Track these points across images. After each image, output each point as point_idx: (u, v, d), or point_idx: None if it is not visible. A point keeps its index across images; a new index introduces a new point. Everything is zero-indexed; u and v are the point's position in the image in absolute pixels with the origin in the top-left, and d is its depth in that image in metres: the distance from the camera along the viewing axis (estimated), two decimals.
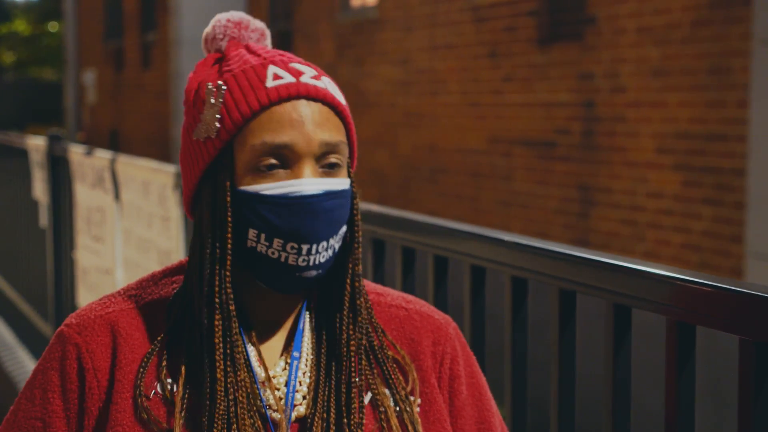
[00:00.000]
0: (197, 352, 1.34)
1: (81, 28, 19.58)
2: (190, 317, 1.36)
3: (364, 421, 1.35)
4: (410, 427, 1.38)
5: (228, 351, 1.32)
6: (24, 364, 5.52)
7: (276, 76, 1.34)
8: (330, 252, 1.34)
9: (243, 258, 1.34)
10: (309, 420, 1.34)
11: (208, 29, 1.44)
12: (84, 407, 1.35)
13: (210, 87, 1.35)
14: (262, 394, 1.34)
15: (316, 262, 1.32)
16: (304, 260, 1.32)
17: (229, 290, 1.33)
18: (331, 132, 1.34)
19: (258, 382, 1.35)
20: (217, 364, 1.31)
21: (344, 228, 1.36)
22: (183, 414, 1.32)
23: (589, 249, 1.88)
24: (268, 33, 1.46)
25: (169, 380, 1.35)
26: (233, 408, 1.31)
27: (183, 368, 1.34)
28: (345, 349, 1.36)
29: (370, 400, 1.38)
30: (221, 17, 1.43)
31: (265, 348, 1.39)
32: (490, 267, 2.10)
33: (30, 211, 5.66)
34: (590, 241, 7.84)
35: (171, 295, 1.41)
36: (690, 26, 6.95)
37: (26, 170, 5.62)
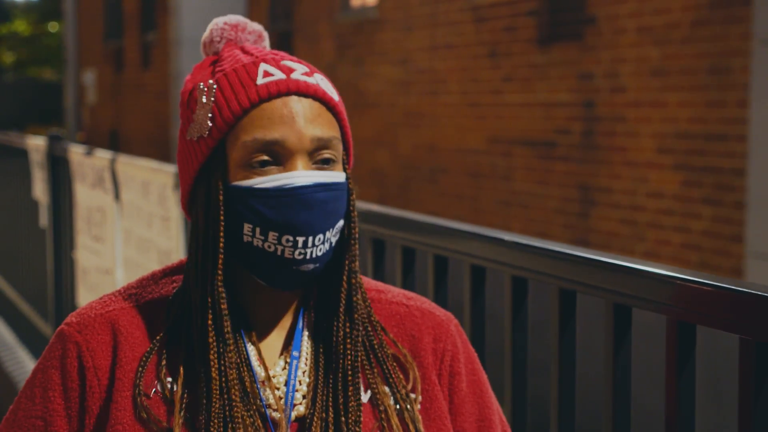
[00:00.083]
0: (195, 352, 1.34)
1: (81, 28, 19.58)
2: (188, 316, 1.37)
3: (362, 420, 1.35)
4: (411, 426, 1.37)
5: (221, 350, 1.32)
6: (24, 363, 5.52)
7: (266, 74, 1.34)
8: (327, 246, 1.34)
9: (240, 254, 1.34)
10: (308, 420, 1.34)
11: (205, 33, 1.45)
12: (85, 406, 1.35)
13: (201, 87, 1.36)
14: (261, 394, 1.34)
15: (313, 255, 1.32)
16: (300, 253, 1.32)
17: (220, 289, 1.33)
18: (323, 127, 1.34)
19: (258, 381, 1.35)
20: (212, 363, 1.32)
21: (341, 223, 1.36)
22: (182, 413, 1.32)
23: (590, 249, 1.88)
24: (266, 35, 1.46)
25: (169, 379, 1.35)
26: (228, 407, 1.31)
27: (182, 368, 1.34)
28: (341, 346, 1.36)
29: (370, 399, 1.38)
30: (218, 21, 1.44)
31: (264, 347, 1.39)
32: (490, 267, 2.10)
33: (30, 211, 5.66)
34: (590, 241, 7.84)
35: (171, 294, 1.41)
36: (690, 26, 6.95)
37: (26, 170, 5.62)
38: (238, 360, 1.34)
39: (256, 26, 1.45)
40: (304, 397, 1.36)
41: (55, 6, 27.32)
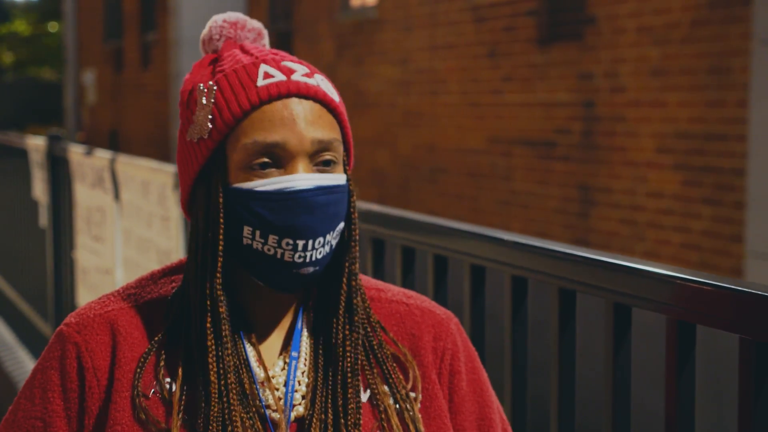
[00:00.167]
0: (193, 353, 1.34)
1: (81, 28, 19.58)
2: (188, 317, 1.36)
3: (361, 422, 1.35)
4: (411, 426, 1.37)
5: (220, 353, 1.32)
6: (23, 363, 5.52)
7: (267, 75, 1.33)
8: (327, 248, 1.33)
9: (240, 256, 1.34)
10: (307, 420, 1.34)
11: (205, 31, 1.44)
12: (84, 406, 1.35)
13: (201, 88, 1.35)
14: (261, 395, 1.34)
15: (313, 259, 1.32)
16: (300, 256, 1.31)
17: (219, 292, 1.32)
18: (324, 129, 1.33)
19: (257, 382, 1.34)
20: (210, 366, 1.31)
21: (341, 225, 1.35)
22: (180, 415, 1.31)
23: (589, 249, 1.87)
24: (265, 33, 1.45)
25: (168, 380, 1.35)
26: (227, 411, 1.30)
27: (180, 369, 1.34)
28: (341, 349, 1.36)
29: (369, 398, 1.38)
30: (217, 18, 1.43)
31: (264, 347, 1.38)
32: (490, 266, 2.10)
33: (30, 211, 5.66)
34: (590, 241, 7.84)
35: (170, 294, 1.40)
36: (690, 26, 6.95)
37: (26, 170, 5.62)
38: (237, 362, 1.34)
39: (256, 24, 1.44)
40: (303, 397, 1.36)
41: (54, 6, 27.32)
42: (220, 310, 1.32)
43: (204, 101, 1.34)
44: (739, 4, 6.57)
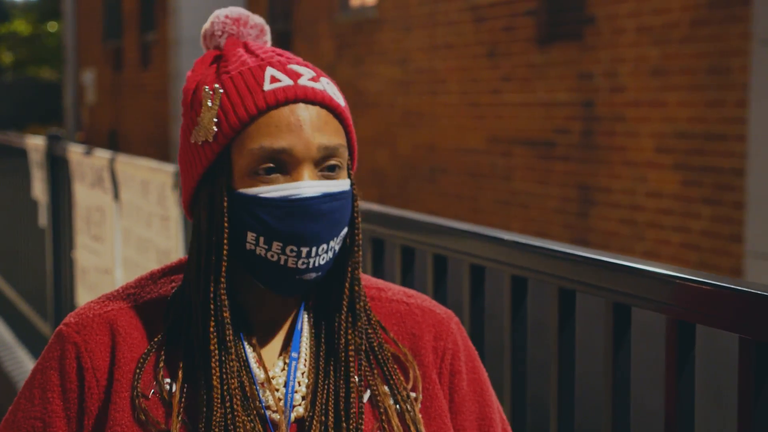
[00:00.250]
0: (194, 356, 1.33)
1: (80, 27, 19.58)
2: (188, 318, 1.36)
3: (363, 426, 1.34)
4: (412, 427, 1.36)
5: (223, 358, 1.31)
6: (23, 363, 5.52)
7: (273, 79, 1.32)
8: (330, 254, 1.33)
9: (242, 261, 1.33)
10: (307, 422, 1.34)
11: (206, 25, 1.42)
12: (84, 407, 1.34)
13: (207, 90, 1.34)
14: (261, 395, 1.33)
15: (316, 265, 1.31)
16: (303, 263, 1.30)
17: (223, 296, 1.32)
18: (330, 135, 1.32)
19: (257, 383, 1.34)
20: (213, 371, 1.31)
21: (345, 230, 1.35)
22: (180, 417, 1.31)
23: (589, 248, 1.87)
24: (267, 29, 1.44)
25: (167, 380, 1.34)
26: (230, 415, 1.30)
27: (180, 371, 1.34)
28: (343, 354, 1.35)
29: (369, 399, 1.37)
30: (219, 13, 1.41)
31: (263, 348, 1.38)
32: (490, 266, 2.09)
33: (29, 210, 5.66)
34: (590, 241, 7.84)
35: (170, 294, 1.40)
36: (689, 26, 6.95)
37: (25, 170, 5.62)
38: (238, 364, 1.33)
39: (258, 20, 1.43)
40: (303, 398, 1.35)
41: (54, 6, 27.32)
42: (225, 315, 1.32)
43: (209, 104, 1.32)
44: (739, 4, 6.58)
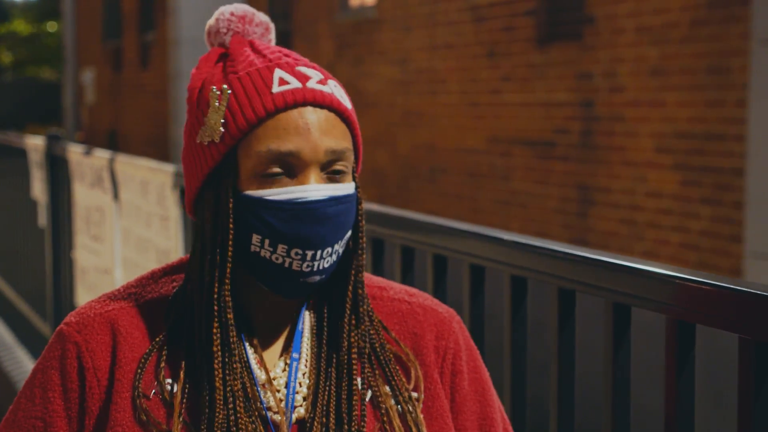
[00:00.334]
0: (196, 357, 1.33)
1: (80, 27, 19.58)
2: (189, 318, 1.35)
3: (364, 427, 1.34)
4: (414, 428, 1.36)
5: (226, 360, 1.31)
6: (23, 363, 5.52)
7: (282, 81, 1.31)
8: (334, 257, 1.32)
9: (246, 263, 1.33)
10: (308, 422, 1.33)
11: (211, 22, 1.41)
12: (85, 407, 1.34)
13: (214, 90, 1.33)
14: (262, 396, 1.33)
15: (320, 268, 1.31)
16: (308, 266, 1.30)
17: (227, 298, 1.31)
18: (337, 139, 1.32)
19: (258, 384, 1.33)
20: (216, 372, 1.30)
21: (349, 233, 1.34)
22: (181, 417, 1.30)
23: (589, 248, 1.87)
24: (272, 27, 1.44)
25: (168, 380, 1.34)
26: (233, 416, 1.30)
27: (182, 370, 1.33)
28: (346, 356, 1.35)
29: (371, 399, 1.37)
30: (225, 10, 1.40)
31: (264, 349, 1.37)
32: (490, 266, 2.09)
33: (29, 210, 5.65)
34: (589, 241, 7.85)
35: (171, 293, 1.39)
36: (689, 26, 6.96)
37: (25, 170, 5.62)
38: (240, 365, 1.33)
39: (263, 18, 1.42)
40: (304, 399, 1.35)
41: (53, 6, 27.32)
42: (229, 316, 1.31)
43: (217, 104, 1.32)
44: (738, 3, 6.58)
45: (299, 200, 1.29)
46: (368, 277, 1.47)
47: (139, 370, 1.33)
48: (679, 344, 1.61)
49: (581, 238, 7.93)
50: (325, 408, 1.34)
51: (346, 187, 1.32)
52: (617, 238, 7.62)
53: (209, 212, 1.33)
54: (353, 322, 1.36)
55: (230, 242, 1.31)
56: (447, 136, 9.65)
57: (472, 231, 2.12)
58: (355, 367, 1.35)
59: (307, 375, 1.36)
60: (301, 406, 1.35)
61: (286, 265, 1.30)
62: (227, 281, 1.31)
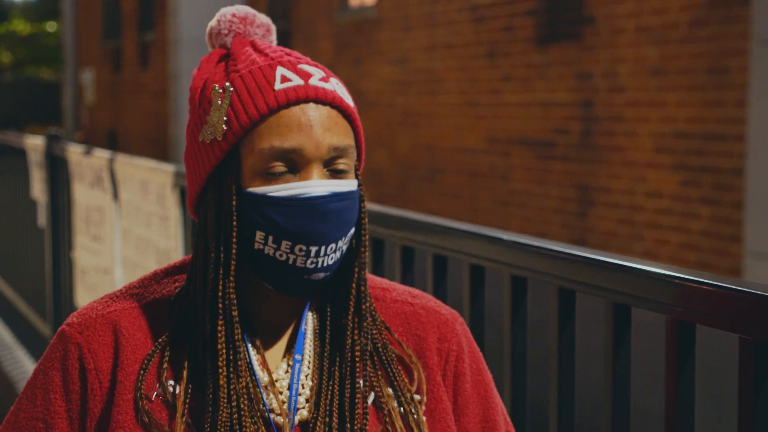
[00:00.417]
0: (199, 355, 1.33)
1: (79, 27, 19.57)
2: (192, 318, 1.35)
3: (367, 429, 1.33)
4: (416, 429, 1.36)
5: (231, 357, 1.31)
6: (22, 363, 5.52)
7: (284, 78, 1.32)
8: (338, 254, 1.32)
9: (250, 260, 1.33)
10: (312, 423, 1.33)
11: (212, 23, 1.41)
12: (86, 408, 1.33)
13: (217, 88, 1.33)
14: (264, 398, 1.33)
15: (324, 264, 1.31)
16: (312, 262, 1.30)
17: (232, 296, 1.31)
18: (340, 136, 1.32)
19: (261, 386, 1.33)
20: (220, 370, 1.30)
21: (352, 230, 1.34)
22: (184, 418, 1.30)
23: (589, 248, 1.87)
24: (273, 28, 1.44)
25: (171, 382, 1.33)
26: (236, 415, 1.29)
27: (184, 371, 1.33)
28: (350, 354, 1.35)
29: (374, 401, 1.36)
30: (226, 11, 1.41)
31: (267, 350, 1.37)
32: (490, 266, 2.09)
33: (28, 210, 5.65)
34: (588, 241, 7.85)
35: (173, 294, 1.39)
36: (688, 26, 6.96)
37: (25, 170, 5.61)
38: (245, 364, 1.32)
39: (265, 19, 1.43)
40: (307, 401, 1.34)
41: (53, 6, 27.32)
42: (233, 313, 1.31)
43: (219, 102, 1.32)
44: (738, 4, 6.58)
45: (302, 196, 1.29)
46: (371, 278, 1.46)
47: (141, 372, 1.33)
48: (679, 344, 1.61)
49: (581, 238, 7.93)
50: (328, 410, 1.33)
51: (348, 184, 1.33)
52: (617, 238, 7.62)
53: (212, 211, 1.33)
54: (356, 319, 1.36)
55: (234, 239, 1.31)
56: (446, 136, 9.65)
57: (472, 231, 2.12)
58: (357, 368, 1.35)
59: (309, 377, 1.36)
60: (303, 408, 1.34)
61: (290, 262, 1.30)
62: (232, 278, 1.31)
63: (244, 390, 1.31)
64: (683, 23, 6.99)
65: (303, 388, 1.35)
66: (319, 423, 1.32)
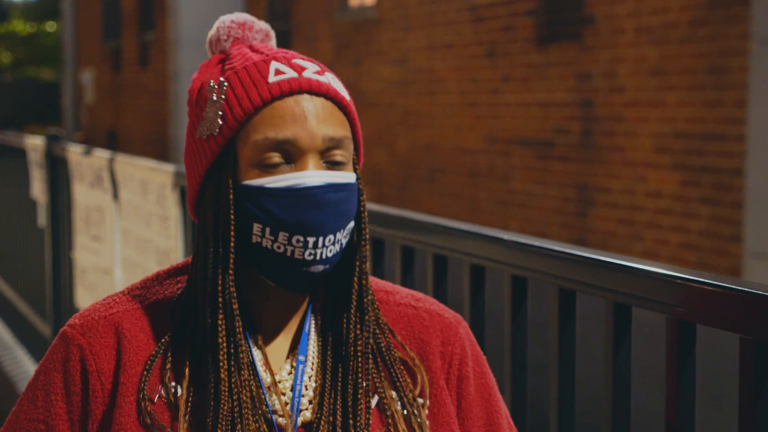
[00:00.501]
0: (201, 353, 1.32)
1: (79, 27, 19.57)
2: (194, 318, 1.35)
3: (370, 423, 1.33)
4: (417, 431, 1.36)
5: (231, 351, 1.30)
6: (22, 363, 5.52)
7: (278, 72, 1.32)
8: (337, 247, 1.32)
9: (249, 254, 1.33)
10: (315, 425, 1.33)
11: (212, 32, 1.42)
12: (87, 410, 1.33)
13: (212, 84, 1.34)
14: (267, 399, 1.32)
15: (323, 256, 1.30)
16: (310, 254, 1.30)
17: (232, 288, 1.31)
18: (335, 127, 1.32)
19: (263, 386, 1.33)
20: (221, 364, 1.30)
21: (352, 223, 1.34)
22: (187, 417, 1.30)
23: (589, 248, 1.87)
24: (273, 34, 1.45)
25: (173, 383, 1.33)
26: (237, 408, 1.29)
27: (186, 370, 1.32)
28: (352, 348, 1.34)
29: (377, 404, 1.36)
30: (225, 19, 1.42)
31: (270, 351, 1.37)
32: (490, 266, 2.09)
33: (28, 210, 5.65)
34: (588, 241, 7.85)
35: (175, 295, 1.39)
36: (688, 26, 6.96)
37: (24, 170, 5.61)
38: (247, 359, 1.32)
39: (263, 25, 1.43)
40: (310, 402, 1.34)
41: (52, 5, 27.32)
42: (234, 307, 1.31)
43: (214, 97, 1.33)
44: (738, 3, 6.58)
45: (297, 186, 1.29)
46: (374, 280, 1.46)
47: (144, 373, 1.33)
48: (679, 344, 1.61)
49: (580, 238, 7.93)
50: (331, 408, 1.33)
51: (345, 176, 1.33)
52: (616, 238, 7.62)
53: (210, 207, 1.33)
54: (358, 314, 1.36)
55: (232, 232, 1.31)
56: (446, 136, 9.65)
57: (472, 231, 2.12)
58: (359, 356, 1.34)
59: (313, 378, 1.35)
60: (306, 409, 1.34)
61: (288, 253, 1.30)
62: (231, 272, 1.31)
63: (246, 382, 1.30)
64: (683, 23, 6.99)
65: (306, 389, 1.35)
66: (322, 423, 1.32)
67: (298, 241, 1.29)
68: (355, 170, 1.36)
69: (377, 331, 1.39)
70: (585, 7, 7.91)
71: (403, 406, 1.37)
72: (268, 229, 1.30)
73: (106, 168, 4.23)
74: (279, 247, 1.30)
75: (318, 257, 1.30)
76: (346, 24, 11.44)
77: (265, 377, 1.34)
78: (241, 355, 1.31)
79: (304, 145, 1.30)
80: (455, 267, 2.24)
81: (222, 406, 1.29)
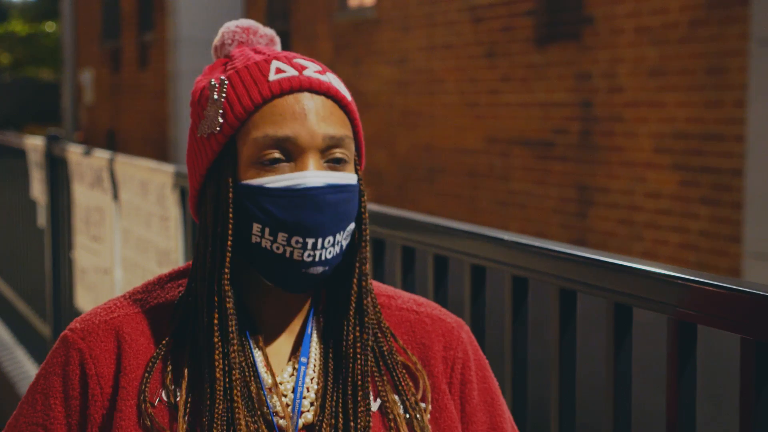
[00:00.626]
0: (199, 354, 1.32)
1: (78, 27, 19.57)
2: (193, 318, 1.35)
3: (371, 426, 1.33)
4: None
5: (226, 350, 1.30)
6: (22, 363, 5.52)
7: (279, 70, 1.32)
8: (337, 248, 1.31)
9: (248, 254, 1.32)
10: (316, 427, 1.32)
11: (217, 37, 1.43)
12: (86, 414, 1.33)
13: (213, 83, 1.34)
14: (269, 401, 1.32)
15: (322, 258, 1.30)
16: (309, 255, 1.29)
17: (227, 287, 1.31)
18: (336, 126, 1.32)
19: (265, 388, 1.33)
20: (216, 363, 1.29)
21: (352, 225, 1.34)
22: (186, 418, 1.30)
23: (589, 248, 1.87)
24: (277, 40, 1.45)
25: (173, 387, 1.33)
26: (229, 404, 1.28)
27: (186, 371, 1.32)
28: (351, 350, 1.34)
29: (380, 407, 1.36)
30: (230, 24, 1.42)
31: (272, 353, 1.36)
32: (491, 266, 2.09)
33: (28, 211, 5.65)
34: (588, 241, 7.85)
35: (177, 298, 1.39)
36: (688, 26, 6.96)
37: (24, 170, 5.61)
38: (244, 363, 1.32)
39: (268, 30, 1.44)
40: (311, 404, 1.34)
41: (52, 6, 27.32)
42: (228, 306, 1.30)
43: (215, 96, 1.33)
44: (737, 4, 6.58)
45: (297, 187, 1.28)
46: (376, 285, 1.46)
47: (146, 376, 1.32)
48: (680, 344, 1.61)
49: (580, 239, 7.93)
50: (333, 410, 1.33)
51: (346, 177, 1.32)
52: (616, 238, 7.62)
53: (211, 206, 1.33)
54: (357, 315, 1.35)
55: (230, 230, 1.30)
56: (446, 136, 9.66)
57: (473, 231, 2.12)
58: (359, 357, 1.34)
59: (314, 380, 1.35)
60: (308, 411, 1.34)
61: (287, 254, 1.29)
62: (226, 270, 1.30)
63: (238, 382, 1.29)
64: (683, 23, 7.00)
65: (308, 391, 1.34)
66: (324, 425, 1.32)
67: (297, 242, 1.29)
68: (356, 171, 1.36)
69: (379, 334, 1.39)
70: (584, 8, 7.91)
71: (406, 410, 1.36)
72: (267, 230, 1.29)
73: (106, 168, 4.23)
74: (278, 248, 1.29)
75: (317, 259, 1.30)
76: (345, 24, 11.44)
77: (267, 378, 1.33)
78: (233, 355, 1.30)
79: (303, 143, 1.29)
80: (456, 267, 2.24)
81: (217, 405, 1.28)
